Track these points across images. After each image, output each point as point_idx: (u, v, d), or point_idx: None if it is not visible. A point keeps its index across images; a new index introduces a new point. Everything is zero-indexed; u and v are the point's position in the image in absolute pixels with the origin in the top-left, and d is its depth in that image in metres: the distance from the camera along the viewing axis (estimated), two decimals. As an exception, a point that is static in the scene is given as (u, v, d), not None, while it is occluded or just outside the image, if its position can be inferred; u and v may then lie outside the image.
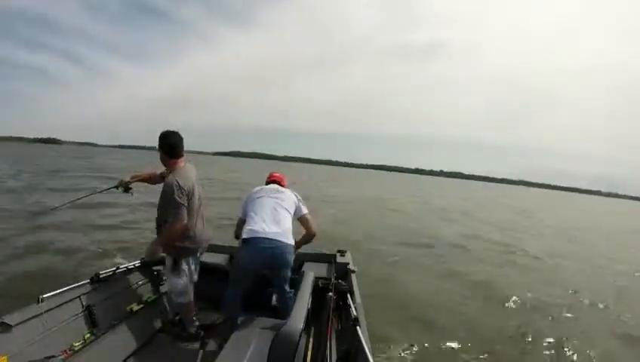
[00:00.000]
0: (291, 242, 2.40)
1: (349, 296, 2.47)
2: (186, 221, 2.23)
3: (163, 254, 2.42)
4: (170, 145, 2.29)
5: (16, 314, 1.81)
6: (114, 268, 2.52)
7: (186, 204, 2.22)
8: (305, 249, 3.35)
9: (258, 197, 2.54)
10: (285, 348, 1.38)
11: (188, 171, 2.35)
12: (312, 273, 2.24)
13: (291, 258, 2.40)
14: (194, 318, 2.56)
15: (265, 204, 2.48)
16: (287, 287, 2.50)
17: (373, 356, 1.65)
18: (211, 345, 2.38)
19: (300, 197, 2.64)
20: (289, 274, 2.48)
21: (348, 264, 3.08)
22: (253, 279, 2.42)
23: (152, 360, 2.29)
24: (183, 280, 2.36)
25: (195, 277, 2.47)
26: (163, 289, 2.88)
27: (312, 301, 2.01)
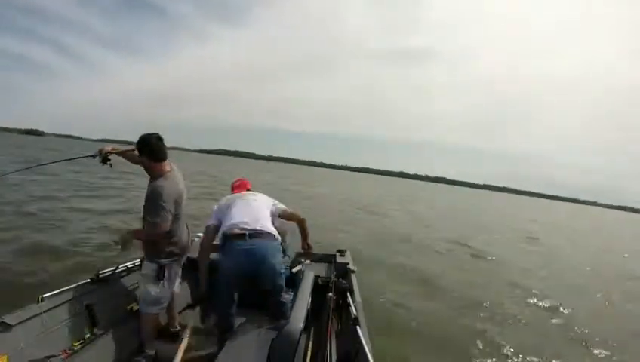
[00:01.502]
0: (277, 240, 2.25)
1: (348, 295, 2.47)
2: (168, 227, 2.12)
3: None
4: (153, 149, 2.14)
5: (16, 314, 1.81)
6: (114, 268, 2.52)
7: (173, 211, 2.12)
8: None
9: (230, 203, 2.43)
10: (285, 348, 1.38)
11: (176, 176, 2.23)
12: (312, 273, 2.24)
13: (278, 260, 2.20)
14: (154, 337, 2.32)
15: (241, 204, 2.40)
16: (282, 297, 2.29)
17: (374, 355, 1.65)
18: (212, 345, 2.37)
19: (272, 199, 2.58)
20: (282, 281, 2.26)
21: (348, 264, 3.08)
22: (239, 287, 2.25)
23: (152, 360, 2.29)
24: (161, 289, 2.21)
25: (176, 286, 2.35)
26: None
27: (312, 301, 2.01)
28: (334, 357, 2.02)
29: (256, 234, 2.18)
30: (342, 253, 3.32)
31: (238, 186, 2.72)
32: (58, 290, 2.08)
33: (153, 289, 2.19)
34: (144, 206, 2.13)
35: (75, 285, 2.20)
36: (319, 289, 2.55)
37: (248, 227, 2.19)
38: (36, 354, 1.80)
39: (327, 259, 3.29)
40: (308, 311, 1.78)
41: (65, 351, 1.95)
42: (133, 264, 2.71)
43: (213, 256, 2.47)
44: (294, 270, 2.70)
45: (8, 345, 1.71)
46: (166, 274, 2.21)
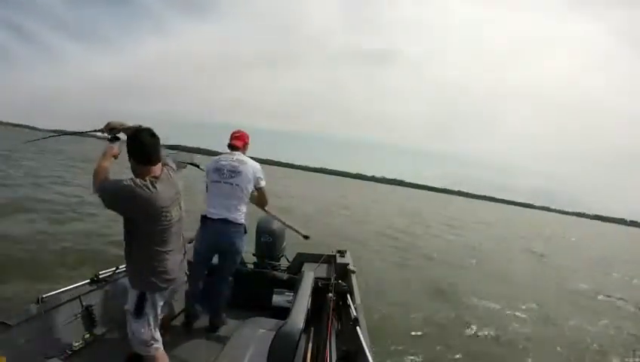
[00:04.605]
0: (241, 222, 2.53)
1: (348, 296, 2.47)
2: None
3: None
4: (146, 149, 1.70)
5: (16, 315, 1.81)
6: (113, 268, 2.51)
7: (157, 227, 1.69)
8: (305, 250, 3.35)
9: (215, 181, 2.54)
10: (285, 348, 1.38)
11: (170, 182, 1.77)
12: (311, 273, 2.24)
13: (240, 241, 2.54)
14: None
15: (220, 189, 2.53)
16: (230, 276, 2.66)
17: (374, 356, 1.65)
18: (212, 345, 2.37)
19: (259, 169, 2.61)
20: (237, 262, 2.66)
21: (348, 264, 3.08)
22: (206, 265, 2.60)
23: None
24: (146, 328, 1.74)
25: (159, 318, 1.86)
26: None
27: (311, 301, 2.01)
28: (334, 358, 2.02)
29: (223, 220, 2.49)
30: (342, 253, 3.31)
31: (236, 138, 2.70)
32: (57, 291, 2.08)
33: (134, 326, 1.74)
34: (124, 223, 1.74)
35: (74, 286, 2.20)
36: (319, 289, 2.55)
37: (218, 214, 2.49)
38: (36, 355, 1.80)
39: (327, 259, 3.29)
40: (308, 311, 1.78)
41: (65, 351, 1.95)
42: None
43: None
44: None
45: (8, 345, 1.70)
46: (147, 309, 1.73)
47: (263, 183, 2.64)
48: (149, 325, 1.75)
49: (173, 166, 1.92)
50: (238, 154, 2.61)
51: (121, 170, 1.86)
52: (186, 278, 2.23)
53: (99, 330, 2.21)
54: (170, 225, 1.74)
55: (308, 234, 2.96)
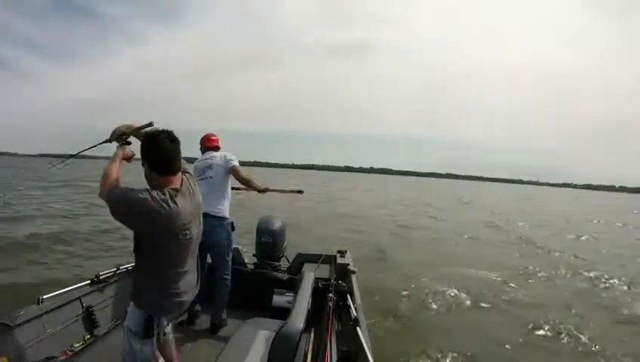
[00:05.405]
0: (223, 215, 2.59)
1: (349, 296, 2.47)
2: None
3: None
4: (165, 156, 1.44)
5: (17, 316, 1.81)
6: (114, 269, 2.52)
7: (174, 244, 1.46)
8: (305, 250, 3.35)
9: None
10: (285, 349, 1.38)
11: (191, 195, 1.54)
12: (311, 273, 2.24)
13: (225, 234, 2.60)
14: None
15: (199, 187, 2.58)
16: (227, 275, 2.65)
17: (374, 356, 1.65)
18: (213, 345, 2.37)
19: (227, 154, 2.75)
20: (228, 258, 2.67)
21: (348, 264, 3.08)
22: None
23: None
24: (150, 348, 1.52)
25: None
26: None
27: (312, 302, 2.01)
28: (334, 358, 2.02)
29: (204, 214, 2.42)
30: (342, 253, 3.31)
31: (205, 141, 2.88)
32: (58, 292, 2.08)
33: (136, 347, 1.50)
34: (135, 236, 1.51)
35: (74, 287, 2.20)
36: (319, 290, 2.55)
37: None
38: (36, 356, 1.80)
39: (328, 259, 3.29)
40: (308, 312, 1.78)
41: (65, 352, 1.96)
42: (133, 266, 2.70)
43: None
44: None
45: (9, 346, 1.71)
46: (155, 328, 1.52)
47: (234, 162, 2.71)
48: (153, 345, 1.54)
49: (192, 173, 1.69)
50: (210, 153, 2.78)
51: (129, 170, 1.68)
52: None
53: (99, 331, 2.21)
54: (190, 242, 1.51)
55: (301, 189, 3.06)
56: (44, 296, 1.97)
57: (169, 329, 1.70)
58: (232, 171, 2.70)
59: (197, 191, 1.60)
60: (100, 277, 2.37)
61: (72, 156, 1.99)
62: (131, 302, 1.56)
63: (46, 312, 1.95)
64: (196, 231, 1.55)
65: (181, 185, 1.50)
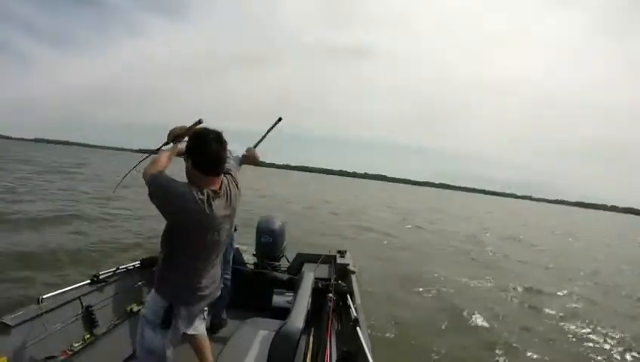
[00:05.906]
0: None
1: (348, 296, 2.47)
2: None
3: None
4: (209, 157, 1.45)
5: (16, 315, 1.81)
6: (114, 269, 2.51)
7: (203, 241, 1.51)
8: (305, 250, 3.35)
9: None
10: (285, 349, 1.38)
11: (228, 198, 1.55)
12: (311, 274, 2.24)
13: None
14: None
15: None
16: (227, 275, 2.58)
17: (374, 356, 1.65)
18: (213, 345, 2.37)
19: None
20: (229, 258, 2.59)
21: (348, 265, 3.08)
22: None
23: None
24: (163, 340, 1.56)
25: (180, 334, 1.66)
26: None
27: (312, 302, 2.01)
28: (334, 358, 2.02)
29: None
30: (342, 253, 3.32)
31: None
32: (58, 291, 2.08)
33: (148, 335, 1.56)
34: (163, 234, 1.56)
35: (74, 286, 2.20)
36: (319, 290, 2.55)
37: None
38: (36, 355, 1.80)
39: (327, 259, 3.29)
40: (308, 312, 1.78)
41: (65, 351, 1.95)
42: (133, 266, 2.70)
43: None
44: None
45: (8, 346, 1.71)
46: (174, 319, 1.56)
47: (236, 153, 2.60)
48: (165, 337, 1.56)
49: (237, 171, 1.72)
50: None
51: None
52: (219, 292, 1.88)
53: (99, 331, 2.21)
54: (218, 243, 1.56)
55: (280, 117, 2.64)
56: (44, 296, 1.97)
57: (201, 326, 1.80)
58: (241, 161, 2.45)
59: (235, 194, 1.59)
60: (100, 277, 2.37)
61: (153, 152, 1.89)
62: (152, 291, 1.60)
63: (45, 312, 1.95)
64: (226, 233, 1.58)
65: (220, 188, 1.51)
